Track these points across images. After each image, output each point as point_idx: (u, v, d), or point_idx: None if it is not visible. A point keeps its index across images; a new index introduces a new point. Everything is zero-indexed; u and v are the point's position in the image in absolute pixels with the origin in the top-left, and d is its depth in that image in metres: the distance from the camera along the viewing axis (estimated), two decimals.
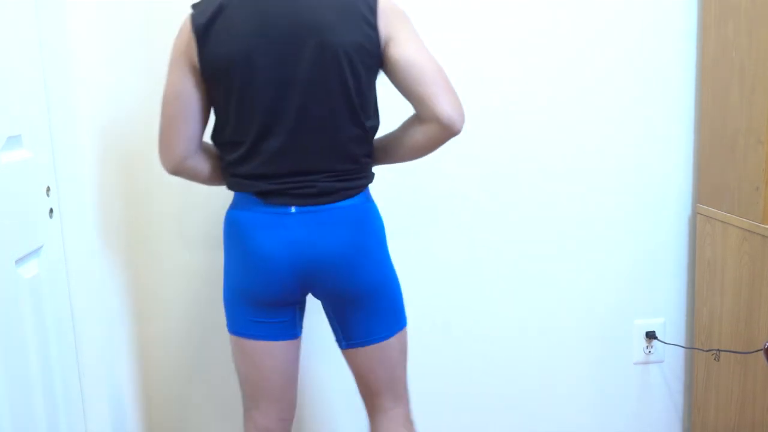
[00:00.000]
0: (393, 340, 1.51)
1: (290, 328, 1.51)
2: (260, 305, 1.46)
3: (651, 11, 1.97)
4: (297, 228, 1.41)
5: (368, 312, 1.48)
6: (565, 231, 2.04)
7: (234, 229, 1.45)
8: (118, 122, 1.84)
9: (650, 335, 2.10)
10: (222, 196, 1.88)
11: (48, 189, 1.66)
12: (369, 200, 1.48)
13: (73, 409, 1.76)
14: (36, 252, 1.59)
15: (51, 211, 1.68)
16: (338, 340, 1.54)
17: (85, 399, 1.83)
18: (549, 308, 2.07)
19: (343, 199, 1.42)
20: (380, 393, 1.55)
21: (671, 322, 2.12)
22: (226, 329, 1.95)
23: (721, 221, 1.91)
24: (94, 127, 1.82)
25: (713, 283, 1.98)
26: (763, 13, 1.72)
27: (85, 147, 1.81)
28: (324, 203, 1.41)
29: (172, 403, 1.99)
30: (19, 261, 1.50)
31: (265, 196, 1.41)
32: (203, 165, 1.49)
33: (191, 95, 1.42)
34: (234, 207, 1.47)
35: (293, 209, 1.41)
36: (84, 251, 1.80)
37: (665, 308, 2.11)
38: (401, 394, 1.58)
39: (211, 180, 1.53)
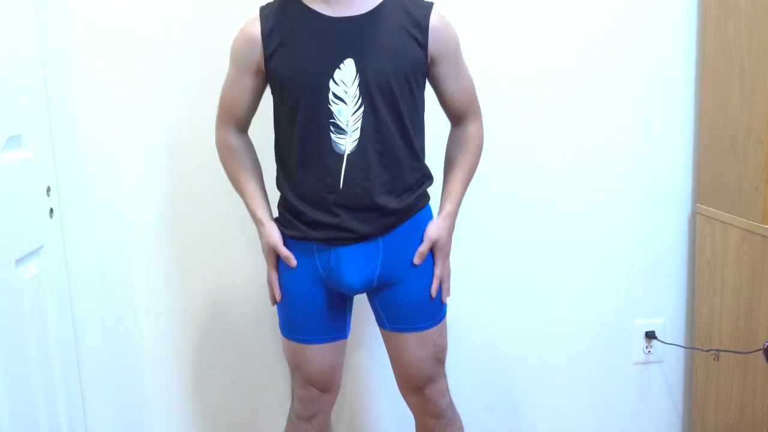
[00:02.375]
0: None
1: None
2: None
3: (651, 11, 1.97)
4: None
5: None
6: (565, 231, 2.04)
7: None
8: (118, 122, 1.84)
9: (650, 335, 2.10)
10: (218, 193, 1.88)
11: (48, 189, 1.66)
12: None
13: (73, 409, 1.76)
14: (36, 252, 1.59)
15: (51, 211, 1.68)
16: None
17: (85, 399, 1.83)
18: (549, 308, 2.07)
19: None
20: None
21: (671, 322, 2.12)
22: (224, 330, 1.97)
23: (721, 221, 1.91)
24: (94, 127, 1.83)
25: (713, 283, 1.98)
26: (763, 13, 1.72)
27: (85, 147, 1.81)
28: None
29: (171, 403, 1.99)
30: (19, 261, 1.50)
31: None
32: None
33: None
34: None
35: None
36: (84, 251, 1.80)
37: (665, 308, 2.11)
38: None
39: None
